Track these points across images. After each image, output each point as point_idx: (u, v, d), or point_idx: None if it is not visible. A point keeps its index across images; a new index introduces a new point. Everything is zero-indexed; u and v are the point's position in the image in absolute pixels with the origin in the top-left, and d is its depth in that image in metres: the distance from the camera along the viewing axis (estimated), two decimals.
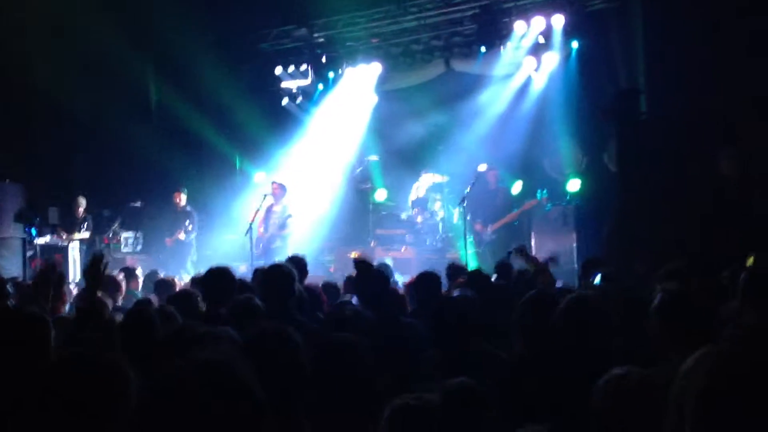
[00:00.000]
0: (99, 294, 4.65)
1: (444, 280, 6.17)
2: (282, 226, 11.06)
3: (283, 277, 4.43)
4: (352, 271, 6.62)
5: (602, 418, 2.08)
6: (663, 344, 2.85)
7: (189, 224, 11.67)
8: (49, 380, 1.95)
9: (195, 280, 6.25)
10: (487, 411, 2.33)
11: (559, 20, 11.05)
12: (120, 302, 6.32)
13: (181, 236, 11.59)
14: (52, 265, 4.97)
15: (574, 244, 10.60)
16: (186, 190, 11.96)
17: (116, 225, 12.06)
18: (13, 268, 10.60)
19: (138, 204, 12.28)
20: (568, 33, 11.21)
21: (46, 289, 4.51)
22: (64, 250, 11.44)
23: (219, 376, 1.63)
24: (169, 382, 1.62)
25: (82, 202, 11.97)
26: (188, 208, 11.89)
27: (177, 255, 11.54)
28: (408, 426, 2.02)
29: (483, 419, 2.32)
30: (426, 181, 11.99)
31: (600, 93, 10.61)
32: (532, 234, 10.74)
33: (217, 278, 4.67)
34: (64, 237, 11.71)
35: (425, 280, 5.33)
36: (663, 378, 2.05)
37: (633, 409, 2.03)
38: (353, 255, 11.21)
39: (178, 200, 11.84)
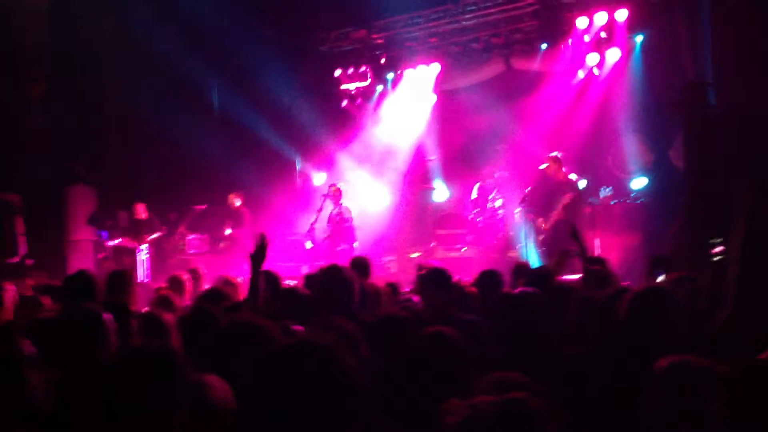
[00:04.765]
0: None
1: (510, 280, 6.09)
2: (343, 229, 11.12)
3: (342, 283, 4.27)
4: (416, 272, 6.64)
5: (658, 406, 2.01)
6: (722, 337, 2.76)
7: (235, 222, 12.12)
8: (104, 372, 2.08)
9: None
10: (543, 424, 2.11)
11: (622, 14, 10.82)
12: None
13: (226, 231, 12.10)
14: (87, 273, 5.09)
15: (640, 243, 10.33)
16: (240, 193, 12.42)
17: (182, 227, 12.38)
18: None
19: (203, 207, 12.58)
20: (632, 26, 10.96)
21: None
22: (134, 253, 11.76)
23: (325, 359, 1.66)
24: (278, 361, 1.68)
25: (140, 209, 12.22)
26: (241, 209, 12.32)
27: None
28: None
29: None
30: (487, 180, 11.87)
31: (666, 87, 10.31)
32: (597, 232, 10.47)
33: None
34: (132, 241, 12.05)
35: (486, 278, 5.29)
36: (723, 367, 1.97)
37: (689, 396, 1.96)
38: (413, 255, 11.22)
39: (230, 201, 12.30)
